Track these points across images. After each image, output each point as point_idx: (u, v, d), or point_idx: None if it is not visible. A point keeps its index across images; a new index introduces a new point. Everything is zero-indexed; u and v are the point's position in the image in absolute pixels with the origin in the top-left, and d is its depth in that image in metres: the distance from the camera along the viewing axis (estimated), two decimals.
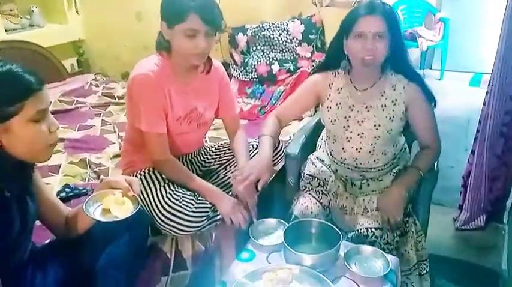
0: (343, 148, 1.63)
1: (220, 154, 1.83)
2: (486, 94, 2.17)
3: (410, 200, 1.62)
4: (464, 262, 2.09)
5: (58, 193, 1.72)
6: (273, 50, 2.75)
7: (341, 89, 1.59)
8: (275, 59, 2.73)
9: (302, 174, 1.79)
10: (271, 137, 1.60)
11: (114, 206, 1.10)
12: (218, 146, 1.88)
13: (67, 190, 1.75)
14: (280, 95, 2.61)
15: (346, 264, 1.29)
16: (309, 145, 1.88)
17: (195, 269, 1.51)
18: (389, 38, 1.43)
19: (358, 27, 1.42)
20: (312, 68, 2.63)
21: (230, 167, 1.78)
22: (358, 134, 1.59)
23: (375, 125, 1.56)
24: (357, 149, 1.60)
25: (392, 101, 1.54)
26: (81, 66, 3.52)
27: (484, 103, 2.18)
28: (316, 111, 2.39)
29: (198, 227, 1.48)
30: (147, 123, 1.49)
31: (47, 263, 1.21)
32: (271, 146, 1.58)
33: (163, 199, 1.46)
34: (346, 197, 1.63)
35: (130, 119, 1.60)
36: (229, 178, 1.74)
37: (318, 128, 1.90)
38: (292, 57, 2.71)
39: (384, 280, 1.26)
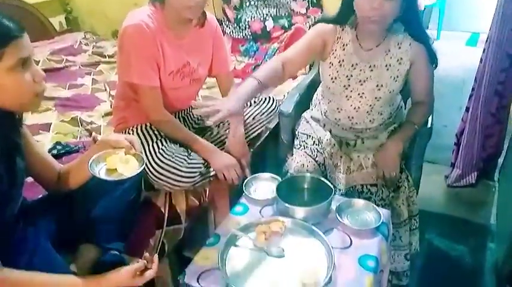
0: (338, 108, 1.60)
1: None
2: (483, 52, 2.15)
3: (403, 156, 1.63)
4: (454, 217, 2.14)
5: (49, 151, 1.71)
6: (267, 6, 2.67)
7: (346, 45, 1.53)
8: (269, 15, 2.66)
9: (296, 133, 1.78)
10: (259, 82, 1.38)
11: (120, 165, 1.09)
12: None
13: (58, 147, 1.74)
14: (274, 53, 2.55)
15: (338, 217, 1.30)
16: (303, 103, 1.86)
17: (189, 223, 1.52)
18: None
19: None
20: (316, 20, 2.56)
21: (223, 125, 1.77)
22: (359, 94, 1.55)
23: (377, 86, 1.53)
24: (354, 108, 1.58)
25: (398, 60, 1.51)
26: (69, 24, 3.41)
27: (481, 61, 2.16)
28: (310, 68, 2.36)
29: (191, 182, 1.48)
30: (138, 76, 1.46)
31: (39, 218, 1.20)
32: (251, 91, 1.36)
33: (156, 154, 1.45)
34: (341, 157, 1.63)
35: (121, 73, 1.57)
36: (222, 135, 1.73)
37: (313, 86, 1.87)
38: (286, 13, 2.64)
39: (375, 231, 1.28)
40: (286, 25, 2.60)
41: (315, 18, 2.57)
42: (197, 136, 1.58)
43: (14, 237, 1.07)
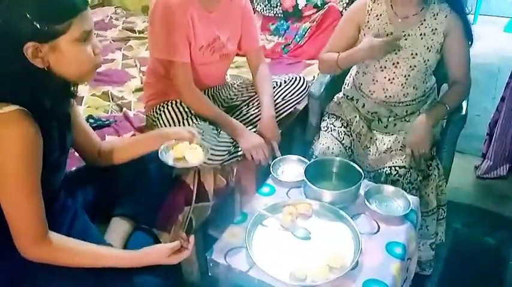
0: (373, 79, 1.59)
1: (242, 91, 1.81)
2: None
3: (435, 143, 1.60)
4: (482, 209, 2.10)
5: None
6: None
7: (381, 15, 1.53)
8: None
9: (325, 113, 1.76)
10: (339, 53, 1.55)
11: (187, 153, 1.17)
12: (240, 83, 1.84)
13: (91, 120, 1.77)
14: (305, 33, 2.50)
15: (367, 202, 1.29)
16: (334, 86, 1.83)
17: (217, 201, 1.54)
18: None
19: None
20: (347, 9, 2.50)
21: (253, 104, 1.76)
22: (393, 63, 1.54)
23: (411, 54, 1.52)
24: (389, 79, 1.56)
25: (432, 30, 1.49)
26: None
27: None
28: None
29: (219, 160, 1.49)
30: (169, 51, 1.47)
31: (77, 189, 1.26)
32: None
33: None
34: (371, 138, 1.61)
35: (152, 48, 1.57)
36: (251, 115, 1.73)
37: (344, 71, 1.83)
38: None
39: (404, 219, 1.27)
40: (319, 3, 2.53)
41: None
42: (227, 115, 1.58)
43: (55, 207, 1.11)
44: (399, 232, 1.23)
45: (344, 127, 1.65)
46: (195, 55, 1.54)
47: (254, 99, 1.75)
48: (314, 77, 2.11)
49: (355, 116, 1.65)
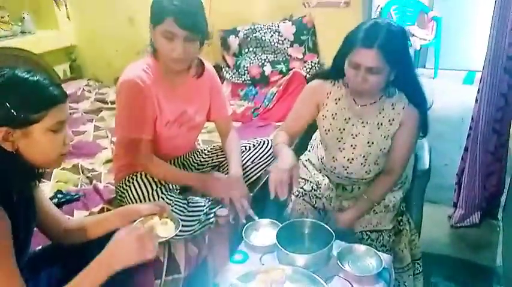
0: (333, 157, 1.60)
1: (212, 157, 1.83)
2: (478, 91, 2.18)
3: (403, 199, 1.63)
4: (459, 259, 2.10)
5: (50, 199, 1.71)
6: (265, 52, 2.75)
7: (339, 99, 1.54)
8: (267, 60, 2.74)
9: None
10: (285, 143, 1.53)
11: (159, 228, 1.19)
12: (210, 149, 1.87)
13: (59, 196, 1.74)
14: (273, 97, 2.61)
15: (339, 263, 1.28)
16: (302, 146, 1.88)
17: (189, 272, 1.50)
18: (389, 68, 1.35)
19: (353, 56, 1.35)
20: (310, 74, 2.63)
21: (223, 169, 1.78)
22: (352, 145, 1.56)
23: (368, 143, 1.54)
24: (348, 159, 1.58)
25: (389, 121, 1.51)
26: (73, 72, 3.50)
27: (476, 101, 2.19)
28: None
29: (190, 231, 1.47)
30: (130, 129, 1.50)
31: (42, 268, 1.21)
32: (288, 147, 1.50)
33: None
34: (341, 201, 1.62)
35: (118, 122, 1.60)
36: None
37: (312, 128, 1.89)
38: (284, 59, 2.72)
39: (377, 278, 1.26)
40: (284, 70, 2.67)
41: (311, 62, 2.64)
42: (190, 173, 1.62)
43: None
44: None
45: (314, 190, 1.66)
46: (162, 130, 1.57)
47: (224, 164, 1.78)
48: None
49: (323, 179, 1.67)
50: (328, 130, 1.57)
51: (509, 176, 2.28)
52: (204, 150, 1.87)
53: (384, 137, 1.52)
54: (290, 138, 1.60)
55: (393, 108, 1.50)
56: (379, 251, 1.42)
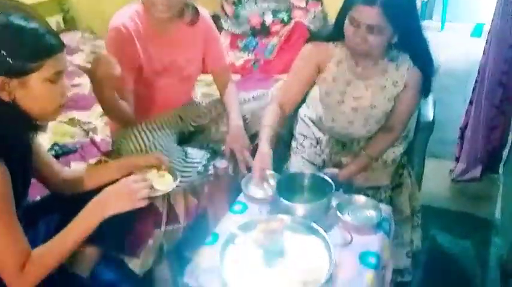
0: (333, 118, 1.55)
1: (211, 109, 1.79)
2: (486, 43, 2.12)
3: (405, 152, 1.60)
4: (459, 212, 2.12)
5: (47, 151, 1.70)
6: (266, 0, 2.64)
7: (340, 62, 1.46)
8: (268, 9, 2.62)
9: (294, 133, 1.74)
10: (270, 126, 1.43)
11: (156, 180, 1.17)
12: (208, 102, 1.83)
13: (56, 148, 1.73)
14: (273, 48, 2.53)
15: (339, 213, 1.28)
16: (303, 100, 1.83)
17: (188, 222, 1.51)
18: (391, 29, 1.27)
19: (353, 12, 1.27)
20: (313, 24, 2.53)
21: (222, 122, 1.75)
22: (353, 108, 1.50)
23: (370, 105, 1.48)
24: (349, 121, 1.53)
25: (393, 83, 1.45)
26: (66, 24, 3.39)
27: (484, 52, 2.13)
28: None
29: (188, 182, 1.46)
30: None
31: (40, 218, 1.23)
32: (268, 139, 1.40)
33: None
34: (340, 157, 1.59)
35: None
36: (221, 133, 1.71)
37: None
38: (286, 7, 2.60)
39: (376, 228, 1.26)
40: (286, 19, 2.57)
41: (314, 12, 2.54)
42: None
43: None
44: (372, 241, 1.22)
45: (313, 147, 1.62)
46: (151, 80, 1.53)
47: (223, 117, 1.74)
48: None
49: (323, 136, 1.62)
50: (329, 93, 1.50)
51: None
52: (202, 103, 1.83)
53: (387, 99, 1.47)
54: (282, 112, 1.50)
55: (397, 70, 1.44)
56: None
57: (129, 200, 1.03)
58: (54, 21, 3.33)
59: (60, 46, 0.98)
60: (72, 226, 1.01)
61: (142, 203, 1.04)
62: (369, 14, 1.24)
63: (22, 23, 0.93)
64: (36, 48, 0.93)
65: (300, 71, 1.52)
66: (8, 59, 0.90)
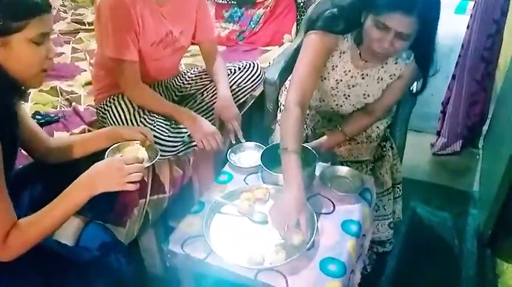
0: (321, 98, 1.54)
1: (196, 79, 1.78)
2: (470, 17, 2.13)
3: (387, 124, 1.62)
4: (438, 185, 2.17)
5: None
6: None
7: (343, 53, 1.42)
8: None
9: (279, 103, 1.75)
10: (298, 154, 1.20)
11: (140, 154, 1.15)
12: (193, 71, 1.81)
13: (38, 117, 1.69)
14: (259, 19, 2.49)
15: (322, 182, 1.30)
16: (289, 70, 1.82)
17: (174, 192, 1.52)
18: (417, 34, 1.22)
19: (385, 19, 1.19)
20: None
21: (207, 92, 1.74)
22: (344, 95, 1.50)
23: (364, 94, 1.48)
24: (337, 104, 1.53)
25: (390, 75, 1.44)
26: None
27: (468, 27, 2.14)
28: (296, 35, 2.31)
29: (174, 151, 1.46)
30: (116, 49, 1.41)
31: (22, 187, 1.21)
32: (301, 172, 1.16)
33: (137, 124, 1.42)
34: (325, 131, 1.60)
35: (99, 45, 1.51)
36: (207, 103, 1.71)
37: (299, 52, 1.83)
38: None
39: (359, 197, 1.29)
40: None
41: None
42: (176, 106, 1.55)
43: None
44: (354, 210, 1.25)
45: None
46: (147, 51, 1.50)
47: (208, 87, 1.73)
48: (269, 63, 2.11)
49: (309, 111, 1.62)
50: (325, 78, 1.49)
51: (492, 106, 2.30)
52: (187, 72, 1.81)
53: (381, 90, 1.48)
54: (303, 113, 1.31)
55: (396, 63, 1.43)
56: None
57: (120, 182, 1.01)
58: None
59: (46, 7, 0.95)
60: (60, 200, 0.99)
61: (133, 187, 1.02)
62: (404, 23, 1.18)
63: None
64: (19, 7, 0.90)
65: (313, 64, 1.37)
66: None
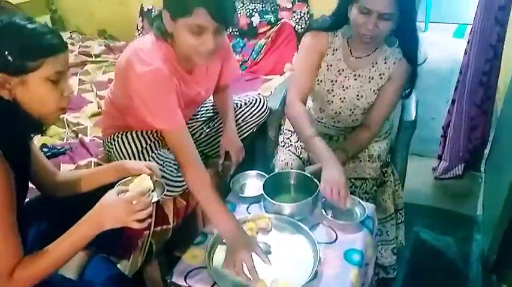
0: (321, 108, 1.60)
1: (202, 111, 1.79)
2: (467, 43, 2.17)
3: (388, 150, 1.65)
4: (441, 209, 2.16)
5: None
6: (253, 1, 2.66)
7: (336, 50, 1.51)
8: (255, 10, 2.65)
9: (282, 128, 1.79)
10: (316, 137, 1.39)
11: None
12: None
13: (45, 149, 1.73)
14: (261, 49, 2.55)
15: (324, 212, 1.31)
16: None
17: (178, 222, 1.53)
18: (398, 15, 1.32)
19: (367, 2, 1.30)
20: (299, 25, 2.55)
21: (214, 124, 1.75)
22: (340, 99, 1.56)
23: (357, 95, 1.53)
24: (336, 112, 1.59)
25: (380, 74, 1.50)
26: (54, 24, 3.37)
27: (465, 52, 2.18)
28: None
29: (180, 191, 1.45)
30: (162, 121, 1.29)
31: (30, 221, 1.22)
32: (330, 149, 1.36)
33: (146, 161, 1.44)
34: None
35: (121, 91, 1.43)
36: (211, 136, 1.73)
37: None
38: (272, 8, 2.63)
39: (360, 226, 1.30)
40: (273, 20, 2.60)
41: (301, 13, 2.57)
42: (216, 204, 1.25)
43: None
44: (356, 239, 1.26)
45: (300, 141, 1.67)
46: None
47: (215, 119, 1.75)
48: (271, 92, 2.14)
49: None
50: (321, 81, 1.56)
51: (493, 129, 2.31)
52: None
53: (373, 91, 1.52)
54: (304, 102, 1.52)
55: (385, 63, 1.49)
56: (362, 198, 1.46)
57: (127, 220, 1.01)
58: (42, 21, 3.26)
59: (62, 46, 0.97)
60: (66, 238, 1.00)
61: (140, 225, 1.03)
62: (383, 3, 1.29)
63: (24, 22, 0.94)
64: (36, 47, 0.93)
65: (305, 61, 1.53)
66: (8, 56, 0.90)
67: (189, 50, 1.25)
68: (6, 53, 0.90)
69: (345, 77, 1.53)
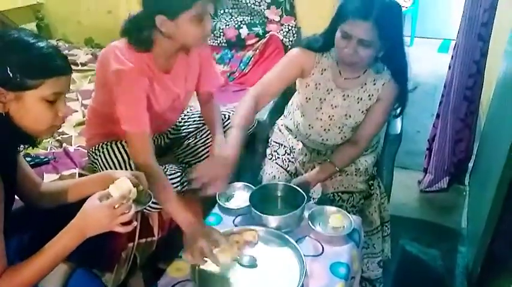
0: (310, 125, 1.61)
1: (189, 121, 1.79)
2: (451, 58, 2.21)
3: (374, 163, 1.66)
4: (427, 222, 2.18)
5: None
6: (241, 13, 2.68)
7: (325, 70, 1.52)
8: (243, 22, 2.66)
9: (269, 140, 1.78)
10: (241, 128, 1.39)
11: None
12: (187, 113, 1.82)
13: (27, 159, 1.69)
14: (249, 61, 2.57)
15: (310, 224, 1.31)
16: (278, 111, 1.87)
17: (163, 235, 1.51)
18: (380, 43, 1.33)
19: (346, 26, 1.32)
20: (287, 37, 2.58)
21: (200, 136, 1.74)
22: (329, 116, 1.56)
23: (345, 115, 1.54)
24: (325, 129, 1.59)
25: (369, 95, 1.51)
26: (41, 32, 3.33)
27: (449, 67, 2.22)
28: None
29: None
30: (129, 121, 1.34)
31: (12, 231, 1.18)
32: (238, 144, 1.36)
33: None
34: (314, 165, 1.63)
35: (106, 100, 1.44)
36: (198, 147, 1.72)
37: (289, 93, 1.87)
38: (260, 21, 2.65)
39: (347, 238, 1.29)
40: (261, 33, 2.62)
41: (288, 26, 2.59)
42: (178, 203, 1.30)
43: None
44: (343, 252, 1.25)
45: (287, 154, 1.67)
46: (153, 117, 1.42)
47: (201, 130, 1.74)
48: None
49: (298, 144, 1.67)
50: (309, 99, 1.56)
51: (477, 143, 2.35)
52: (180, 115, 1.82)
53: (362, 111, 1.54)
54: (256, 105, 1.49)
55: (374, 84, 1.50)
56: (349, 211, 1.46)
57: (110, 224, 1.00)
58: (28, 28, 3.27)
59: (65, 69, 0.97)
60: (49, 247, 0.98)
61: (123, 230, 1.02)
62: (361, 29, 1.29)
63: (31, 40, 0.94)
64: (37, 66, 0.93)
65: (284, 69, 1.54)
66: (8, 71, 0.90)
67: (194, 40, 1.33)
68: (8, 68, 0.90)
69: (334, 96, 1.53)
